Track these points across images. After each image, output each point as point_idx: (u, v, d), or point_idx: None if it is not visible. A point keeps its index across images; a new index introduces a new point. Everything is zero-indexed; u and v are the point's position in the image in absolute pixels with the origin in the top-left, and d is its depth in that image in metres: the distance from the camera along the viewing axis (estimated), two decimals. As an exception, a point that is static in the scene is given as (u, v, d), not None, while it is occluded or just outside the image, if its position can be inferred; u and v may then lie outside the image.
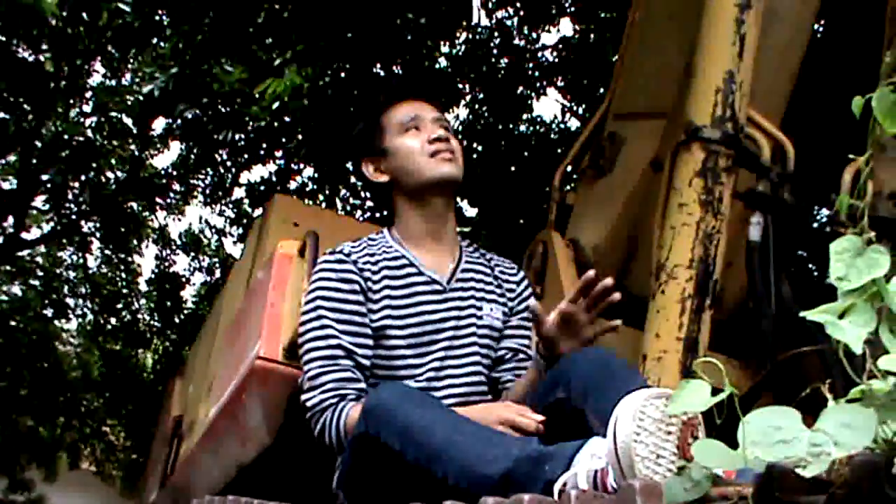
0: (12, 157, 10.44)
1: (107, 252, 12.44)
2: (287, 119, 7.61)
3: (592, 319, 2.70)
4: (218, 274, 12.24)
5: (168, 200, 11.33)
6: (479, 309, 2.92)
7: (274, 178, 9.85)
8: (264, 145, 9.10)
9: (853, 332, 1.15)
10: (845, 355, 1.18)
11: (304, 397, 2.69)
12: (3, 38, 8.23)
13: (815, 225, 6.55)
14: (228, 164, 9.88)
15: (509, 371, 2.93)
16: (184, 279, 12.87)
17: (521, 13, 9.25)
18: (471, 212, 9.68)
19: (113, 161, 10.21)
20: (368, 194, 10.24)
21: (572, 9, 9.20)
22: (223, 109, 7.75)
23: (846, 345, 1.15)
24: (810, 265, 7.52)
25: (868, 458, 1.03)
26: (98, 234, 11.70)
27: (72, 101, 9.51)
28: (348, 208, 10.22)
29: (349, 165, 9.85)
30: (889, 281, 1.21)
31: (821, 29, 5.96)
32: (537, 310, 2.69)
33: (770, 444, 1.11)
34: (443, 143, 2.87)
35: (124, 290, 12.93)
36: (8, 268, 12.31)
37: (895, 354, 1.12)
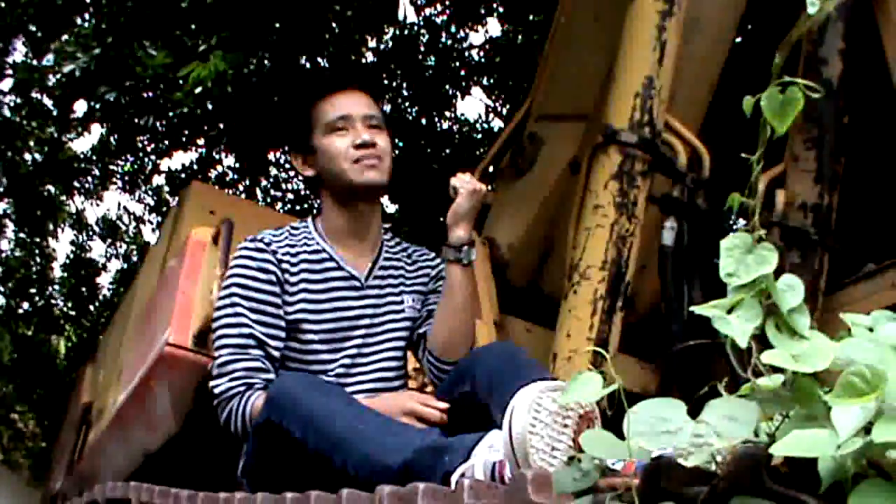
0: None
1: (21, 235, 12.18)
2: (210, 106, 7.52)
3: None
4: (135, 261, 12.07)
5: (86, 185, 11.13)
6: (400, 303, 2.92)
7: (195, 167, 9.75)
8: (186, 132, 9.00)
9: (740, 327, 1.17)
10: (735, 350, 1.20)
11: (212, 383, 2.67)
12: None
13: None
14: (149, 150, 9.77)
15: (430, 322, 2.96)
16: (100, 266, 12.69)
17: (449, 11, 9.26)
18: (391, 208, 9.68)
19: (31, 142, 9.99)
20: (289, 186, 10.20)
21: (501, 9, 9.24)
22: (145, 94, 7.65)
23: (733, 340, 1.18)
24: (724, 273, 7.61)
25: (749, 451, 1.05)
26: (13, 217, 11.45)
27: (-9, 80, 9.33)
28: (269, 199, 10.16)
29: (271, 156, 9.81)
30: (777, 278, 1.23)
31: (741, 40, 6.04)
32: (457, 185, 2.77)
33: (655, 435, 1.13)
34: (368, 149, 2.81)
35: (38, 275, 12.68)
36: (-82, 247, 12.05)
37: (779, 350, 1.15)
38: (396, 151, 9.18)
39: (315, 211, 3.00)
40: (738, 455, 1.05)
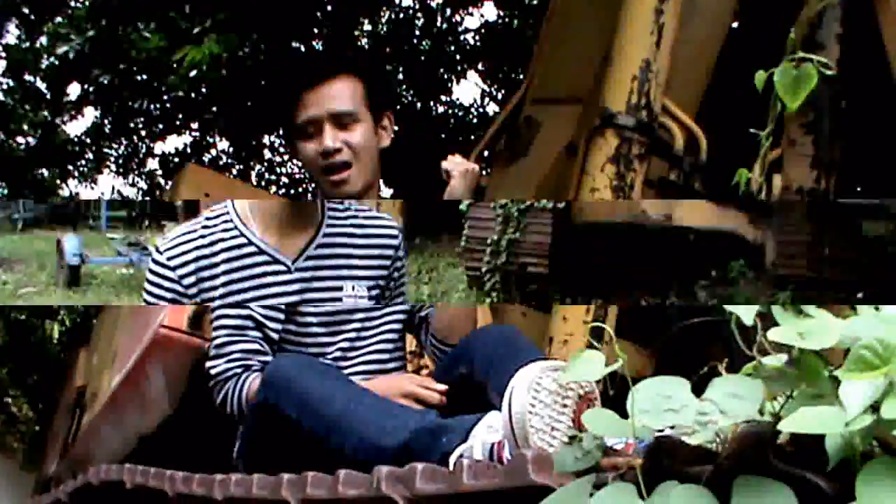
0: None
1: (15, 219, 12.16)
2: (204, 90, 7.50)
3: None
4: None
5: (80, 168, 11.11)
6: None
7: (188, 150, 9.74)
8: (180, 116, 8.99)
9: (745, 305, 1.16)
10: (739, 329, 1.19)
11: (208, 364, 2.65)
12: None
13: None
14: (143, 133, 9.75)
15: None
16: (94, 249, 12.67)
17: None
18: (386, 192, 9.67)
19: (24, 126, 9.96)
20: (284, 171, 10.17)
21: (496, -7, 9.24)
22: (139, 77, 7.63)
23: (739, 317, 1.16)
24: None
25: (754, 429, 1.04)
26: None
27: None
28: (263, 184, 10.14)
29: (265, 140, 9.78)
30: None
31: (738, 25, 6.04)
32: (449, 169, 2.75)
33: (659, 413, 1.11)
34: (334, 157, 2.69)
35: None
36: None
37: (784, 327, 1.13)
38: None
39: (313, 192, 2.96)
40: (743, 433, 1.04)
